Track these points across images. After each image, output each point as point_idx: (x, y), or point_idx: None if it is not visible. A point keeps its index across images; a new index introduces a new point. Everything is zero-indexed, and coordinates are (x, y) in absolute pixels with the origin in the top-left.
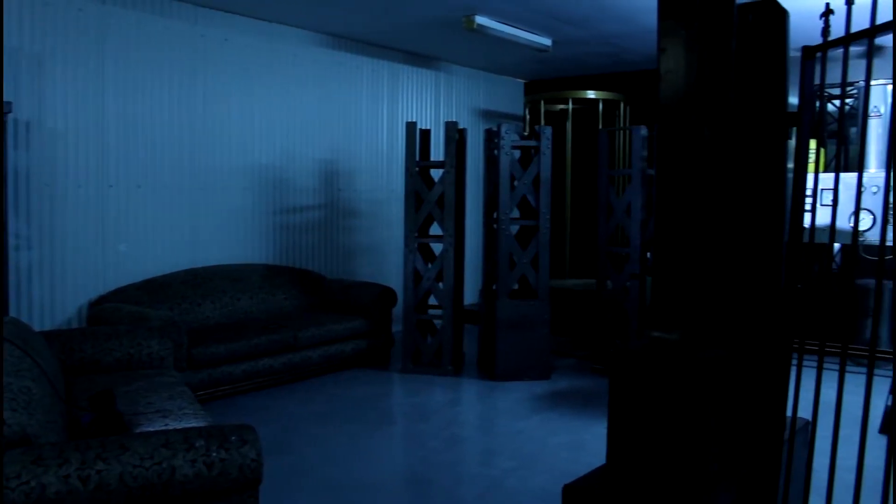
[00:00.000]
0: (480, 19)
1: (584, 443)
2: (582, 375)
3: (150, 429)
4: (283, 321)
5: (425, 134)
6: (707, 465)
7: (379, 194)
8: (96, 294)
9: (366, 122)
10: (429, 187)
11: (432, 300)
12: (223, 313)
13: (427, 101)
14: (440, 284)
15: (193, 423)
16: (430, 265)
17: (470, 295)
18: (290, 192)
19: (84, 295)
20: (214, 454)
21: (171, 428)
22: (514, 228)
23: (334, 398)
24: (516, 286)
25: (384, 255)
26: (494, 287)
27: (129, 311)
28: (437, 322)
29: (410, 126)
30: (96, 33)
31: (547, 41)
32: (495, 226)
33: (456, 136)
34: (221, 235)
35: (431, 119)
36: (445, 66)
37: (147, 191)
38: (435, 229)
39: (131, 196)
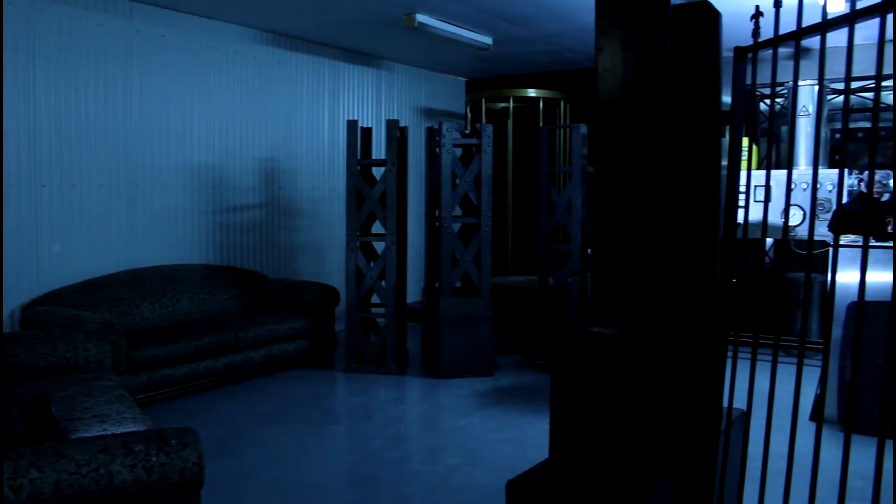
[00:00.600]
0: (421, 17)
1: (528, 438)
2: (525, 372)
3: (88, 434)
4: (224, 322)
5: (367, 132)
6: (646, 458)
7: (320, 193)
8: (29, 297)
9: (307, 120)
10: (370, 186)
11: (375, 299)
12: (163, 315)
13: (368, 99)
14: (383, 283)
15: (132, 428)
16: (372, 264)
17: (413, 293)
18: (230, 191)
19: (16, 298)
20: (154, 458)
21: (109, 433)
22: (457, 226)
23: (278, 398)
24: (459, 284)
25: (326, 254)
26: (437, 285)
27: (64, 313)
28: (380, 320)
29: (351, 124)
30: (26, 29)
31: (488, 40)
32: (437, 224)
33: (397, 135)
34: (160, 235)
35: (373, 117)
36: (387, 64)
37: (82, 190)
38: (377, 228)
39: (66, 195)
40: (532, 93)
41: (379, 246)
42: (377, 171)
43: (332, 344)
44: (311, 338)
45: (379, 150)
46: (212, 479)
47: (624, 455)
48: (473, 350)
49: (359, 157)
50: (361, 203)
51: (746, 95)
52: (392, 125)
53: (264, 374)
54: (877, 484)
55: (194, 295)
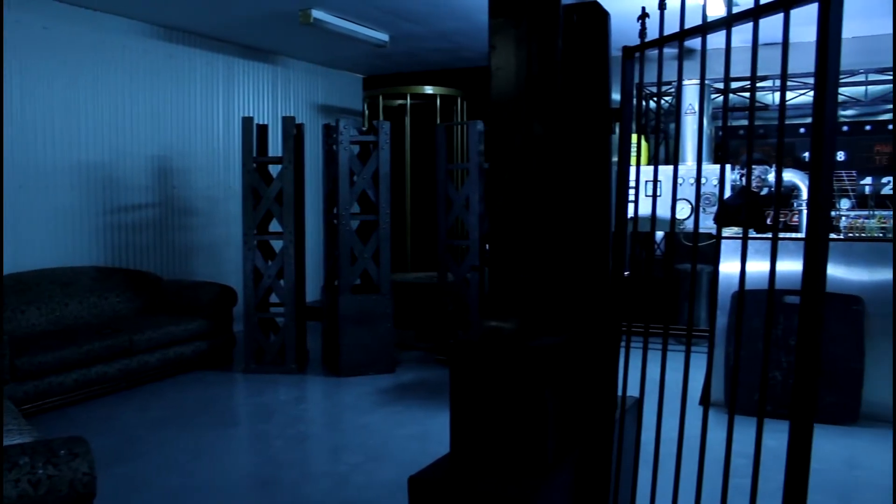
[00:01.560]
0: (317, 13)
1: (431, 433)
2: (426, 367)
3: None
4: (117, 325)
5: (262, 129)
6: (544, 448)
7: (216, 191)
8: None
9: (200, 118)
10: (267, 184)
11: (274, 298)
12: (50, 320)
13: (264, 96)
14: (281, 282)
15: (18, 440)
16: (270, 262)
17: (312, 292)
18: (121, 191)
19: None
20: (41, 471)
21: None
22: (355, 223)
23: (175, 402)
24: (358, 281)
25: (223, 254)
26: (336, 283)
27: None
28: (279, 320)
29: (247, 121)
30: None
31: (384, 37)
32: (336, 221)
33: (294, 132)
34: (47, 237)
35: (269, 114)
36: (283, 61)
37: None
38: (274, 226)
39: None
40: (429, 90)
41: (277, 244)
42: (274, 169)
43: (230, 345)
44: (208, 339)
45: (275, 147)
46: (105, 489)
47: (523, 446)
48: (374, 347)
49: (255, 154)
50: (258, 201)
51: (635, 93)
52: (288, 122)
53: (161, 377)
54: (756, 460)
55: (84, 298)
